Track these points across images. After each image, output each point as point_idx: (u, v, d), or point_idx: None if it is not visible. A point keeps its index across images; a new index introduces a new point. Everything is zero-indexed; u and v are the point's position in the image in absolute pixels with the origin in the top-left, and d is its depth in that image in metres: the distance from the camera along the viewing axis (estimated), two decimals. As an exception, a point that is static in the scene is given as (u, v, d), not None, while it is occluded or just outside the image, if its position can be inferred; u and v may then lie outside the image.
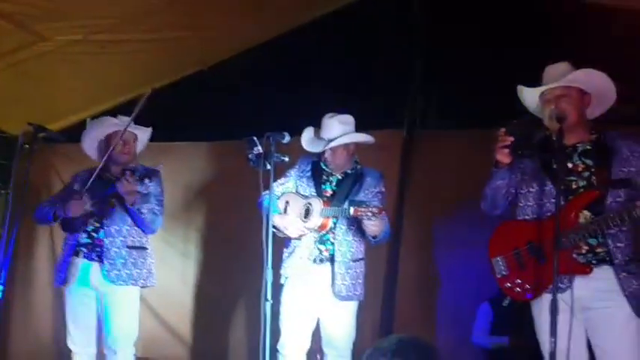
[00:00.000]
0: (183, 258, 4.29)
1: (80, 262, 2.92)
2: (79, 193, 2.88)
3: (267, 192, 2.56)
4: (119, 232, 2.92)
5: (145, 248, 3.00)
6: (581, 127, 2.31)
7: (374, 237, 2.80)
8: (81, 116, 4.60)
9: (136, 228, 2.96)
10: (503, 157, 2.26)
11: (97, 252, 2.92)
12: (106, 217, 2.93)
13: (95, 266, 2.91)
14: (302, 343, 2.89)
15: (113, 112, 3.32)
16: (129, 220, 2.94)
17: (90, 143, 3.10)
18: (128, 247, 2.93)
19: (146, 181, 2.89)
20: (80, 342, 2.96)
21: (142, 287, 2.98)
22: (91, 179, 2.87)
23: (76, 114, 4.44)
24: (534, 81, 2.38)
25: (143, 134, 3.12)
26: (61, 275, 2.93)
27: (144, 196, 2.93)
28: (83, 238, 2.94)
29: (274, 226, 2.82)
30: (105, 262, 2.88)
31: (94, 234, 2.94)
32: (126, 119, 3.00)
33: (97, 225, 2.94)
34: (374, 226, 2.71)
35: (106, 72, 3.82)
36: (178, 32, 3.70)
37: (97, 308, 2.95)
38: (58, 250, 4.36)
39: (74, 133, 4.72)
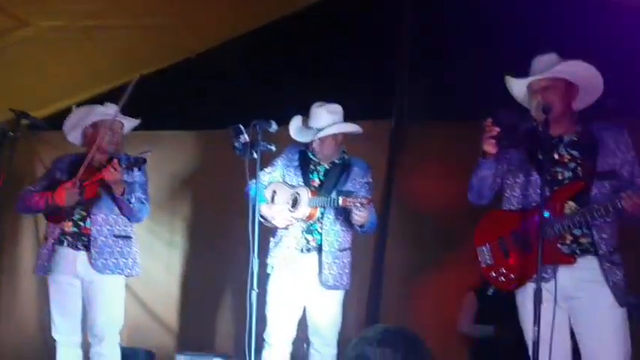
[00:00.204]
0: (168, 247, 4.28)
1: (65, 251, 2.90)
2: (72, 181, 2.84)
3: (254, 181, 2.54)
4: (106, 221, 2.91)
5: (130, 237, 2.99)
6: (568, 119, 2.32)
7: (360, 227, 2.80)
8: (66, 104, 4.53)
9: (122, 217, 2.95)
10: (490, 147, 2.27)
11: (82, 241, 2.89)
12: (93, 205, 2.90)
13: (80, 255, 2.89)
14: (288, 332, 2.90)
15: (98, 100, 3.27)
16: (116, 209, 2.92)
17: (75, 129, 3.06)
18: (115, 236, 2.91)
19: (134, 170, 2.88)
20: (65, 331, 2.94)
21: (127, 276, 2.98)
22: (82, 168, 2.83)
23: (61, 101, 4.39)
24: (523, 71, 2.38)
25: (129, 123, 3.08)
26: (45, 264, 2.90)
27: (130, 185, 2.91)
28: (69, 226, 2.91)
29: (261, 216, 2.81)
30: (92, 251, 2.86)
31: (80, 223, 2.91)
32: (113, 107, 2.97)
33: (84, 214, 2.91)
34: (361, 217, 2.71)
35: (90, 59, 3.76)
36: (164, 19, 3.65)
37: (82, 297, 2.93)
38: (41, 239, 4.34)
39: (59, 121, 4.68)
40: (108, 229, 2.90)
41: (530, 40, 3.57)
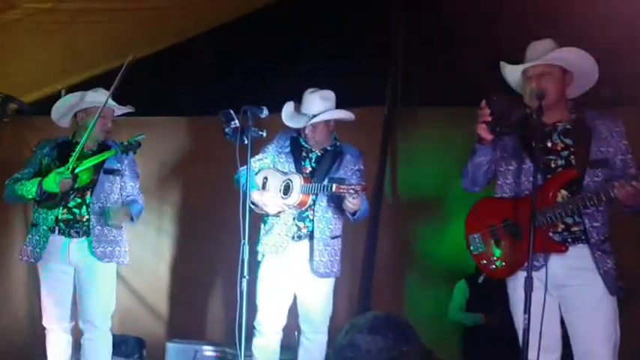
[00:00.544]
0: (158, 234, 4.25)
1: (58, 238, 2.87)
2: (65, 168, 2.80)
3: (244, 167, 2.51)
4: (103, 209, 2.89)
5: (121, 226, 2.97)
6: (562, 106, 2.30)
7: (353, 214, 2.78)
8: (53, 88, 4.46)
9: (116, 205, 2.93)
10: (484, 132, 2.25)
11: (76, 228, 2.87)
12: (91, 194, 2.88)
13: (74, 242, 2.86)
14: (279, 319, 2.90)
15: (86, 85, 3.22)
16: (111, 197, 2.92)
17: (66, 115, 3.02)
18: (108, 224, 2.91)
19: (127, 155, 2.90)
20: (55, 318, 2.92)
21: (119, 264, 2.97)
22: (75, 154, 2.79)
23: (48, 86, 4.31)
24: (518, 57, 2.36)
25: (120, 110, 3.04)
26: (37, 251, 2.87)
27: (131, 203, 2.94)
28: (64, 213, 2.87)
29: (252, 203, 2.79)
30: (93, 239, 2.85)
31: (76, 210, 2.88)
32: (105, 92, 2.94)
33: (79, 201, 2.88)
34: (354, 204, 2.70)
35: (78, 43, 3.68)
36: (153, 2, 3.58)
37: (73, 284, 2.91)
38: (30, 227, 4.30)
39: (46, 106, 4.61)
40: (104, 217, 2.88)
41: (525, 26, 3.55)
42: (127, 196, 3.00)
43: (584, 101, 2.37)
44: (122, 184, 2.98)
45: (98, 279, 2.88)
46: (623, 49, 3.44)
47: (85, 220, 2.86)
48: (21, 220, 4.37)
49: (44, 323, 2.94)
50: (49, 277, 2.90)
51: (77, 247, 2.86)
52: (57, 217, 2.86)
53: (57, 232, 2.86)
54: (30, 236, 2.92)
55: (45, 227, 2.86)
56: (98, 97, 2.93)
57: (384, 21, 4.15)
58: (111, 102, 2.94)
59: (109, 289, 2.94)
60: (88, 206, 2.87)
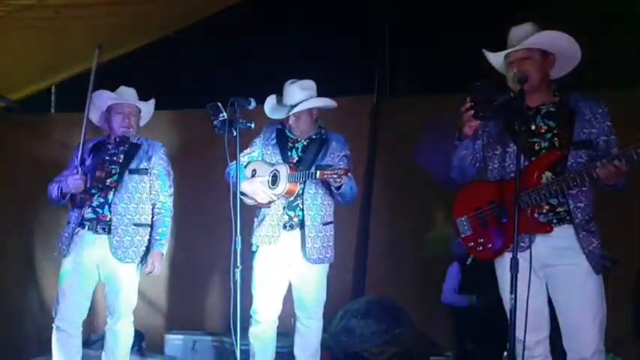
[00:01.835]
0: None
1: (85, 234, 2.92)
2: (76, 167, 2.87)
3: (234, 161, 2.54)
4: (126, 210, 2.92)
5: (149, 225, 3.00)
6: (545, 89, 2.32)
7: (340, 194, 2.80)
8: (41, 86, 4.45)
9: (142, 205, 2.97)
10: (468, 128, 2.26)
11: (101, 226, 2.92)
12: (113, 194, 2.91)
13: (100, 239, 2.91)
14: (274, 307, 2.94)
15: (74, 81, 3.22)
16: (136, 197, 2.95)
17: (96, 113, 3.07)
18: (135, 224, 2.94)
19: (153, 158, 2.97)
20: (70, 317, 2.92)
21: (142, 264, 2.99)
22: (79, 154, 2.85)
23: (36, 83, 4.29)
24: (503, 43, 2.38)
25: (146, 107, 3.08)
26: (64, 247, 2.92)
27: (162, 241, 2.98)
28: (88, 212, 2.92)
29: (243, 193, 2.82)
30: (112, 239, 2.89)
31: (98, 209, 2.92)
32: (127, 90, 3.04)
33: (102, 200, 2.92)
34: (339, 183, 2.73)
35: (63, 39, 3.66)
36: (140, -5, 3.56)
37: (96, 280, 2.95)
38: (28, 225, 4.31)
39: (34, 104, 4.60)
40: (128, 219, 2.92)
41: (509, 10, 3.56)
42: (153, 205, 3.00)
43: (567, 83, 2.40)
44: (150, 182, 2.99)
45: (122, 277, 2.93)
46: (605, 30, 3.47)
47: (107, 219, 2.90)
48: (15, 218, 4.39)
49: (55, 320, 2.95)
50: (72, 271, 2.92)
51: (100, 244, 2.90)
52: (83, 216, 2.91)
53: (86, 228, 2.91)
54: (62, 232, 2.98)
55: (73, 225, 2.92)
56: (111, 95, 3.00)
57: (371, 9, 4.14)
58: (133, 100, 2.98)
59: (133, 286, 2.98)
60: (110, 206, 2.90)
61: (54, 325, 2.94)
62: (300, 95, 2.89)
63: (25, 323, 4.31)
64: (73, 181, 2.83)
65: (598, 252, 2.25)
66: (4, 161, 4.40)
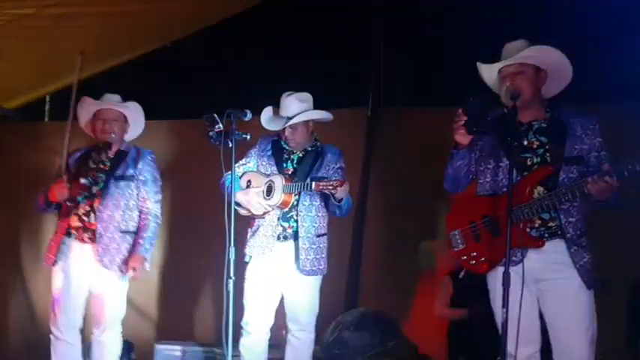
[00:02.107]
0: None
1: (72, 243, 2.90)
2: (60, 176, 2.86)
3: (230, 172, 2.55)
4: (112, 217, 2.90)
5: (136, 232, 2.98)
6: (537, 105, 2.36)
7: (339, 207, 2.81)
8: (37, 94, 4.46)
9: (129, 212, 2.94)
10: (461, 137, 2.30)
11: (88, 234, 2.90)
12: (99, 202, 2.89)
13: (86, 248, 2.89)
14: (266, 319, 2.93)
15: (68, 90, 3.23)
16: (122, 204, 2.92)
17: (83, 121, 3.06)
18: (121, 231, 2.91)
19: (139, 165, 2.93)
20: (64, 325, 2.92)
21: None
22: (63, 162, 2.83)
23: (33, 91, 4.30)
24: (497, 57, 2.41)
25: (130, 112, 3.03)
26: (51, 256, 2.91)
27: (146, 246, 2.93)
28: (74, 221, 2.90)
29: (237, 203, 2.82)
30: (99, 248, 2.86)
31: (85, 217, 2.90)
32: (111, 97, 3.01)
33: (88, 209, 2.90)
34: (340, 195, 2.75)
35: (61, 48, 3.68)
36: (138, 6, 3.58)
37: (87, 288, 2.93)
38: (21, 233, 4.29)
39: (32, 112, 4.60)
40: (114, 226, 2.89)
41: (506, 25, 3.61)
42: (140, 211, 2.96)
43: (559, 99, 2.43)
44: (137, 189, 2.97)
45: (109, 286, 2.90)
46: (600, 45, 3.53)
47: (93, 227, 2.88)
48: (9, 224, 4.37)
49: (52, 330, 2.93)
50: (62, 280, 2.91)
51: (87, 253, 2.88)
52: (69, 224, 2.89)
53: (73, 237, 2.89)
54: (50, 242, 2.96)
55: (61, 233, 2.90)
56: (90, 101, 2.98)
57: (366, 22, 4.19)
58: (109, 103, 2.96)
59: (120, 295, 2.95)
60: (96, 214, 2.88)
61: (51, 336, 2.92)
62: (297, 107, 2.91)
63: (13, 334, 4.27)
64: (57, 189, 2.81)
65: (589, 267, 2.27)
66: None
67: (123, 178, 2.93)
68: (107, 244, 2.86)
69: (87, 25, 3.57)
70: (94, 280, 2.90)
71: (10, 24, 3.28)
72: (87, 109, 2.98)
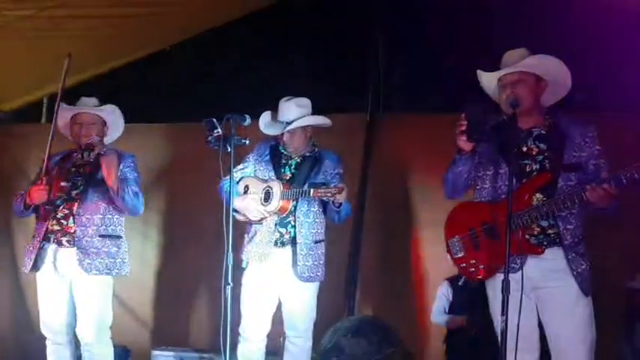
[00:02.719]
0: (143, 240, 4.23)
1: (51, 248, 2.86)
2: (40, 180, 2.80)
3: (228, 177, 2.53)
4: (91, 220, 2.85)
5: (118, 237, 2.94)
6: (536, 113, 2.36)
7: (338, 210, 2.80)
8: (36, 96, 4.44)
9: (109, 216, 2.90)
10: (463, 143, 2.30)
11: (66, 238, 2.85)
12: (78, 205, 2.85)
13: (64, 252, 2.85)
14: (263, 325, 2.91)
15: (69, 92, 3.22)
16: (102, 208, 2.87)
17: (63, 125, 3.03)
18: (101, 235, 2.87)
19: (119, 166, 2.85)
20: (51, 329, 2.90)
21: (114, 276, 2.93)
22: (44, 164, 2.77)
23: (31, 93, 4.29)
24: (495, 64, 2.42)
25: (107, 115, 3.00)
26: (30, 262, 2.86)
27: (122, 181, 2.85)
28: (52, 224, 2.87)
29: (235, 210, 2.81)
30: (77, 250, 2.82)
31: (63, 221, 2.87)
32: (88, 101, 2.98)
33: (67, 212, 2.87)
34: (338, 201, 2.74)
35: (60, 50, 3.66)
36: (138, 9, 3.58)
37: (69, 295, 2.88)
38: (15, 237, 4.26)
39: (28, 114, 4.58)
40: (93, 229, 2.85)
41: (506, 32, 3.63)
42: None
43: (559, 107, 2.44)
44: None
45: (91, 291, 2.85)
46: (597, 54, 3.54)
47: (72, 231, 2.84)
48: (3, 229, 4.34)
49: (44, 333, 2.92)
50: (43, 287, 2.89)
51: (67, 257, 2.84)
52: (47, 228, 2.85)
53: (52, 241, 2.85)
54: (27, 246, 2.93)
55: (38, 238, 2.86)
56: (66, 107, 2.94)
57: (365, 27, 4.20)
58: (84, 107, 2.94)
59: (104, 302, 2.89)
60: (74, 217, 2.85)
61: (47, 341, 2.92)
62: (297, 112, 2.91)
63: (9, 338, 4.23)
64: (36, 192, 2.76)
65: (587, 274, 2.26)
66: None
67: (103, 181, 2.84)
68: (85, 247, 2.81)
69: (85, 28, 3.56)
70: (75, 285, 2.85)
71: (8, 25, 3.27)
72: (61, 114, 2.94)
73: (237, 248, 2.81)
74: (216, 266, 2.69)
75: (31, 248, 2.88)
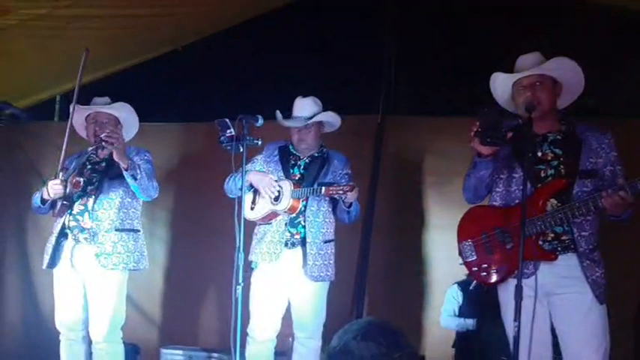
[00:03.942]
0: (151, 239, 4.24)
1: (67, 244, 2.89)
2: (56, 174, 2.84)
3: (233, 174, 2.53)
4: (106, 215, 2.87)
5: (135, 230, 2.95)
6: (552, 117, 2.34)
7: (349, 210, 2.80)
8: (49, 94, 4.47)
9: (124, 210, 2.91)
10: (480, 147, 2.27)
11: (83, 234, 2.87)
12: (93, 200, 2.87)
13: (81, 248, 2.87)
14: (272, 326, 2.91)
15: (82, 91, 3.23)
16: (117, 202, 2.89)
17: (79, 126, 3.07)
18: (117, 230, 2.88)
19: (135, 158, 2.87)
20: (65, 324, 2.92)
21: (132, 270, 2.93)
22: (61, 161, 2.80)
23: (44, 92, 4.31)
24: (507, 67, 2.40)
25: (120, 113, 3.01)
26: (48, 258, 2.89)
27: (136, 166, 2.85)
28: (69, 220, 2.89)
29: (249, 186, 2.77)
30: (94, 246, 2.84)
31: (79, 217, 2.89)
32: (100, 100, 3.01)
33: (82, 208, 2.89)
34: (349, 200, 2.74)
35: (73, 49, 3.68)
36: (150, 9, 3.59)
37: (84, 291, 2.90)
38: (28, 234, 4.29)
39: (41, 112, 4.61)
40: (109, 224, 2.87)
41: (512, 37, 3.61)
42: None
43: (575, 112, 2.42)
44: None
45: (106, 287, 2.86)
46: (606, 60, 3.51)
47: (88, 226, 2.87)
48: (13, 225, 4.37)
49: (58, 328, 2.94)
50: (59, 283, 2.92)
51: (82, 253, 2.86)
52: (64, 224, 2.88)
53: (69, 237, 2.88)
54: (47, 243, 2.94)
55: (56, 234, 2.89)
56: (80, 107, 2.96)
57: (377, 28, 4.19)
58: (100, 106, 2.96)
59: (118, 298, 2.89)
60: (90, 213, 2.87)
61: (61, 336, 2.94)
62: (314, 107, 2.94)
63: (20, 334, 4.26)
64: (52, 187, 2.79)
65: (602, 281, 2.24)
66: (8, 169, 4.40)
67: (118, 176, 2.88)
68: (102, 243, 2.84)
69: (99, 27, 3.58)
70: (91, 281, 2.87)
71: (22, 24, 3.28)
72: (76, 116, 2.97)
73: (247, 248, 2.81)
74: (225, 265, 2.69)
75: (49, 245, 2.90)
